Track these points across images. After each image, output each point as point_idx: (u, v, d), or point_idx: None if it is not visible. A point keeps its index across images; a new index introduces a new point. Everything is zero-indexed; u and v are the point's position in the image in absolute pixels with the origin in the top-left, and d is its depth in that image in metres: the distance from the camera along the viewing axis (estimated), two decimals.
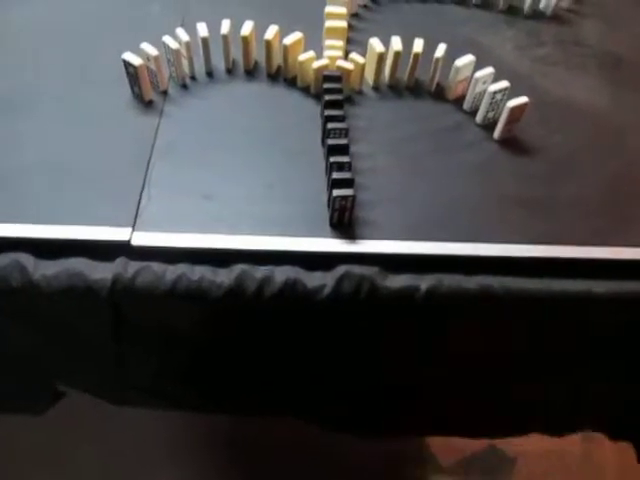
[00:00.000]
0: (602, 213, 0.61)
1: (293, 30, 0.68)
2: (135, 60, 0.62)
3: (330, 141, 0.58)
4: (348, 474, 1.15)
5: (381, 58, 0.67)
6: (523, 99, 0.63)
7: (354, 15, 0.79)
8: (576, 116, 0.70)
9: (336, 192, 0.54)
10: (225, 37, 0.67)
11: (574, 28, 0.81)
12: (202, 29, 0.66)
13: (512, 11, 0.83)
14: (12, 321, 0.61)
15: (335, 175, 0.55)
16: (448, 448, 1.20)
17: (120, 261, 0.56)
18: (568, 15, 0.83)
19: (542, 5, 0.83)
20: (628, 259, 0.58)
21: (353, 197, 0.55)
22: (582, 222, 0.60)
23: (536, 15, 0.83)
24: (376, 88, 0.70)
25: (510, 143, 0.66)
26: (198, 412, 0.78)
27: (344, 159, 0.57)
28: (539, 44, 0.78)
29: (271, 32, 0.66)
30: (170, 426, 1.20)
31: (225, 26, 0.67)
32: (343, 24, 0.69)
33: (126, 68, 0.64)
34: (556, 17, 0.82)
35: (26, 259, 0.56)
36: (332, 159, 0.57)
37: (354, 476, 1.15)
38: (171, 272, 0.56)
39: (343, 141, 0.58)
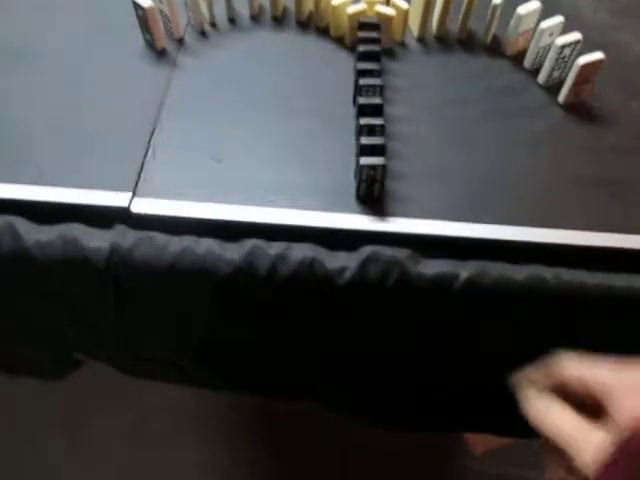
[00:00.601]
0: None
1: None
2: (144, 1, 0.55)
3: (362, 99, 0.50)
4: (379, 459, 1.10)
5: (429, 3, 0.57)
6: (597, 55, 0.52)
7: None
8: None
9: (364, 160, 0.46)
10: None
11: None
12: None
13: None
14: (14, 288, 0.57)
15: (364, 140, 0.47)
16: (482, 437, 1.13)
17: (118, 229, 0.50)
18: None
19: None
20: None
21: (383, 167, 0.46)
22: None
23: None
24: (421, 40, 0.61)
25: (578, 109, 0.56)
26: (214, 390, 0.73)
27: (377, 121, 0.48)
28: None
29: None
30: (195, 396, 1.17)
31: None
32: None
33: (136, 11, 0.56)
34: None
35: (19, 222, 0.51)
36: (362, 121, 0.48)
37: (385, 461, 1.10)
38: (174, 244, 0.49)
39: (377, 100, 0.49)
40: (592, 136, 0.54)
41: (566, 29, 0.55)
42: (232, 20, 0.62)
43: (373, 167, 0.46)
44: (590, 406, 0.37)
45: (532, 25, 0.57)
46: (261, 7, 0.62)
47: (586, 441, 0.35)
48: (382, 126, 0.48)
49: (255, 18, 0.62)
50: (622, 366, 0.37)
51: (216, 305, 0.54)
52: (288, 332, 0.56)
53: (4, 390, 1.12)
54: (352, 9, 0.56)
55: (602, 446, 0.33)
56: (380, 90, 0.51)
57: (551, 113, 0.56)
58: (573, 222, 0.49)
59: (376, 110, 0.49)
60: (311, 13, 0.61)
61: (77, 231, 0.50)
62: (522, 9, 0.55)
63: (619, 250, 0.48)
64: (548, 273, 0.48)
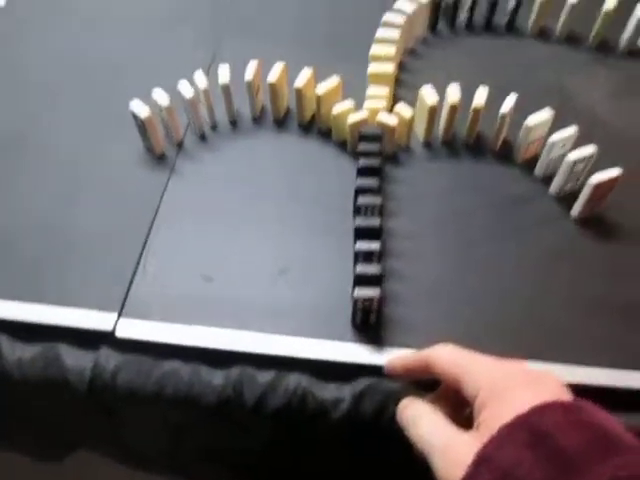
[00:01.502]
0: None
1: (336, 70, 0.58)
2: (142, 111, 0.54)
3: (358, 221, 0.47)
4: None
5: (434, 111, 0.55)
6: (613, 172, 0.49)
7: (410, 51, 0.68)
8: None
9: (358, 292, 0.43)
10: (250, 83, 0.57)
11: None
12: (223, 75, 0.57)
13: (605, 47, 0.68)
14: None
15: (359, 268, 0.44)
16: None
17: (102, 352, 0.47)
18: None
19: None
20: None
21: (379, 299, 0.43)
22: None
23: (636, 52, 0.67)
24: (427, 144, 0.58)
25: (593, 223, 0.52)
26: None
27: (373, 246, 0.45)
28: (639, 90, 0.64)
29: (303, 78, 0.56)
30: None
31: (250, 70, 0.57)
32: (389, 69, 0.57)
33: (135, 120, 0.55)
34: None
35: (2, 340, 0.49)
36: (358, 245, 0.45)
37: None
38: (159, 369, 0.47)
39: (374, 222, 0.47)
40: (608, 254, 0.50)
41: (583, 135, 0.53)
42: (233, 123, 0.61)
43: (368, 299, 0.43)
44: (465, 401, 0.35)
45: (543, 133, 0.54)
46: (263, 109, 0.61)
47: (450, 452, 0.32)
48: (379, 252, 0.45)
49: (257, 121, 0.61)
50: (495, 365, 0.36)
51: (205, 425, 0.51)
52: (278, 454, 0.52)
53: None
54: (353, 118, 0.54)
55: (466, 457, 0.31)
56: (379, 209, 0.48)
57: (563, 228, 0.52)
58: (587, 357, 0.45)
59: (373, 233, 0.46)
60: (313, 116, 0.60)
61: (59, 350, 0.48)
62: (531, 120, 0.53)
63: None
64: None
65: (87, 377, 0.47)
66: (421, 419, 0.36)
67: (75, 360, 0.48)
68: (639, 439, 0.30)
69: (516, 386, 0.33)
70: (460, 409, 0.37)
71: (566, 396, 0.33)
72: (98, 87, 0.65)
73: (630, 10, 0.66)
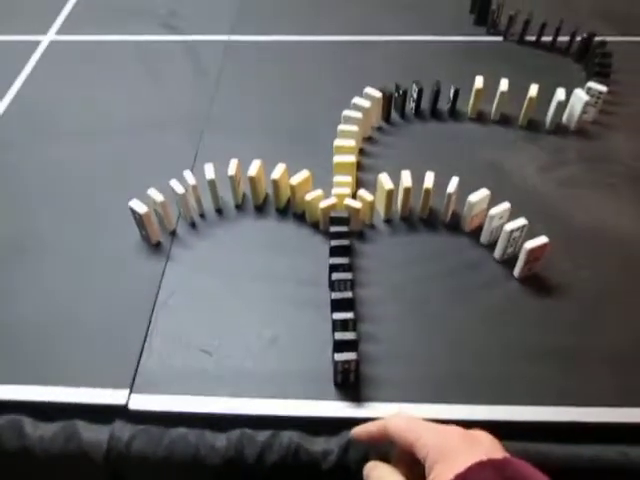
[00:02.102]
0: (638, 369, 0.55)
1: (304, 159, 0.68)
2: (140, 208, 0.62)
3: (334, 294, 0.56)
4: None
5: (391, 194, 0.65)
6: (542, 240, 0.59)
7: (369, 139, 0.78)
8: (606, 247, 0.65)
9: (338, 356, 0.51)
10: (232, 178, 0.66)
11: (601, 143, 0.78)
12: (209, 171, 0.66)
13: (533, 127, 0.80)
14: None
15: (338, 336, 0.52)
16: None
17: (116, 425, 0.54)
18: (594, 129, 0.79)
19: (565, 119, 0.80)
20: None
21: (357, 361, 0.51)
22: (614, 379, 0.54)
23: (559, 130, 0.79)
24: (388, 221, 0.68)
25: (532, 281, 0.62)
26: None
27: (348, 315, 0.54)
28: (564, 163, 0.75)
29: (278, 171, 0.66)
30: None
31: (232, 166, 0.66)
32: (351, 159, 0.67)
33: (133, 215, 0.64)
34: (581, 131, 0.79)
35: (23, 421, 0.55)
36: (335, 316, 0.54)
37: None
38: (168, 436, 0.53)
39: (348, 294, 0.55)
40: (545, 308, 0.60)
41: (518, 204, 0.63)
42: (219, 211, 0.69)
43: (347, 362, 0.51)
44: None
45: (484, 207, 0.64)
46: (244, 197, 0.70)
47: None
48: (354, 320, 0.54)
49: (239, 207, 0.70)
50: (439, 431, 0.42)
51: None
52: None
53: None
54: (324, 204, 0.63)
55: None
56: (351, 284, 0.57)
57: (508, 287, 0.62)
58: (533, 397, 0.53)
59: (348, 304, 0.55)
60: (288, 201, 0.69)
61: (78, 427, 0.54)
62: (473, 197, 0.63)
63: (580, 424, 0.52)
64: (517, 447, 0.52)
65: (104, 448, 0.53)
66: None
67: (92, 434, 0.54)
68: None
69: (456, 447, 0.40)
70: (415, 468, 0.43)
71: (499, 453, 0.40)
72: (95, 188, 0.73)
73: (551, 94, 0.78)
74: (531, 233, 0.61)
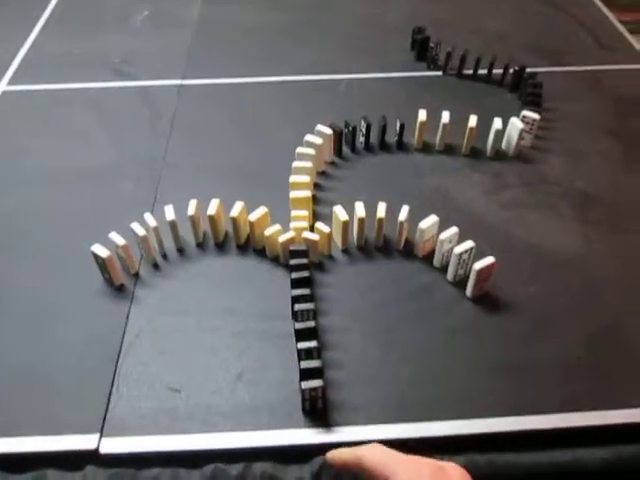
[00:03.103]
0: (582, 376, 0.59)
1: (261, 195, 0.71)
2: (102, 252, 0.63)
3: (297, 325, 0.58)
4: None
5: (347, 225, 0.68)
6: (489, 260, 0.62)
7: (322, 173, 0.82)
8: (549, 264, 0.69)
9: (305, 384, 0.53)
10: (192, 217, 0.68)
11: (538, 166, 0.83)
12: (169, 212, 0.68)
13: (475, 154, 0.85)
14: None
15: (303, 364, 0.54)
16: None
17: (88, 471, 0.54)
18: (531, 153, 0.85)
19: (504, 145, 0.85)
20: (615, 424, 0.56)
21: (323, 387, 0.53)
22: (563, 387, 0.58)
23: (499, 156, 0.85)
24: (345, 251, 0.71)
25: (484, 300, 0.65)
26: None
27: (312, 344, 0.56)
28: (505, 187, 0.80)
29: (237, 209, 0.68)
30: None
31: (192, 207, 0.68)
32: (307, 194, 0.71)
33: (95, 259, 0.65)
34: (519, 156, 0.84)
35: None
36: (299, 345, 0.56)
37: None
38: (142, 478, 0.54)
39: (311, 324, 0.58)
40: (498, 325, 0.63)
41: (466, 228, 0.67)
42: (180, 250, 0.71)
43: (314, 389, 0.53)
44: None
45: (434, 232, 0.68)
46: (205, 235, 0.72)
47: None
48: (318, 348, 0.56)
49: (200, 246, 0.72)
50: (412, 463, 0.44)
51: None
52: None
53: None
54: (282, 238, 0.66)
55: None
56: (313, 313, 0.59)
57: (462, 307, 0.65)
58: (491, 409, 0.56)
59: (311, 333, 0.57)
60: (248, 237, 0.71)
61: (49, 476, 0.54)
62: (423, 224, 0.67)
63: (535, 432, 0.55)
64: (481, 459, 0.54)
65: None
66: None
67: None
68: None
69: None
70: None
71: None
72: (56, 234, 0.74)
73: (490, 123, 0.84)
74: (480, 254, 0.65)
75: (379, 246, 0.71)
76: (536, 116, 0.84)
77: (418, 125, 0.83)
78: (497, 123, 0.83)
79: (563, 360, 0.60)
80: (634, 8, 2.44)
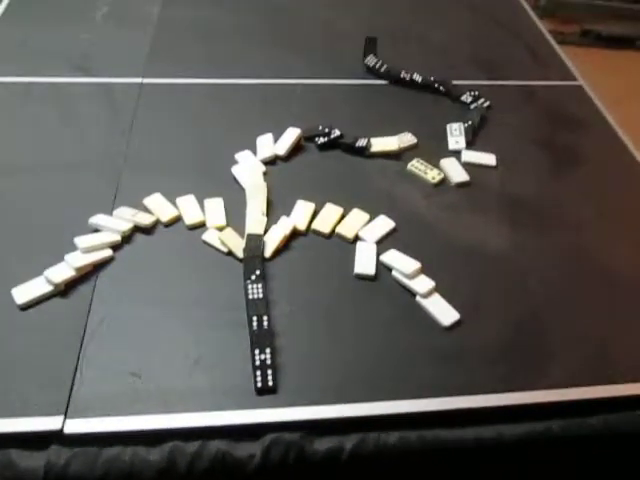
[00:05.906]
0: (507, 359, 0.67)
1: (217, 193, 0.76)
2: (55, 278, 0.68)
3: (249, 296, 0.64)
4: None
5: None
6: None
7: (269, 163, 0.88)
8: (480, 260, 0.77)
9: (256, 351, 0.59)
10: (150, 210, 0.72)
11: (476, 173, 0.91)
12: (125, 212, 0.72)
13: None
14: None
15: (255, 331, 0.60)
16: None
17: (52, 450, 0.57)
18: None
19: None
20: (537, 402, 0.64)
21: (273, 358, 0.59)
22: (489, 369, 0.66)
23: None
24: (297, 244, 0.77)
25: None
26: None
27: (262, 311, 0.62)
28: (445, 191, 0.87)
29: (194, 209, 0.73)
30: None
31: (151, 200, 0.73)
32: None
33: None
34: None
35: None
36: (251, 312, 0.62)
37: None
38: (104, 456, 0.58)
39: (261, 295, 0.64)
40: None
41: (409, 226, 0.74)
42: (142, 237, 0.75)
43: (263, 352, 0.59)
44: None
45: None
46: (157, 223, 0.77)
47: None
48: (268, 315, 0.62)
49: (161, 237, 0.76)
50: None
51: None
52: None
53: None
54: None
55: None
56: (266, 303, 0.65)
57: (401, 297, 0.72)
58: (423, 391, 0.63)
59: (262, 304, 0.63)
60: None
61: (12, 455, 0.57)
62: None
63: (461, 410, 0.63)
64: (413, 435, 0.61)
65: (41, 474, 0.57)
66: None
67: (28, 461, 0.57)
68: None
69: None
70: None
71: None
72: (21, 221, 0.77)
73: (433, 130, 0.91)
74: (418, 251, 0.72)
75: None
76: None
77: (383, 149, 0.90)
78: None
79: (490, 348, 0.68)
80: (572, 20, 2.60)
